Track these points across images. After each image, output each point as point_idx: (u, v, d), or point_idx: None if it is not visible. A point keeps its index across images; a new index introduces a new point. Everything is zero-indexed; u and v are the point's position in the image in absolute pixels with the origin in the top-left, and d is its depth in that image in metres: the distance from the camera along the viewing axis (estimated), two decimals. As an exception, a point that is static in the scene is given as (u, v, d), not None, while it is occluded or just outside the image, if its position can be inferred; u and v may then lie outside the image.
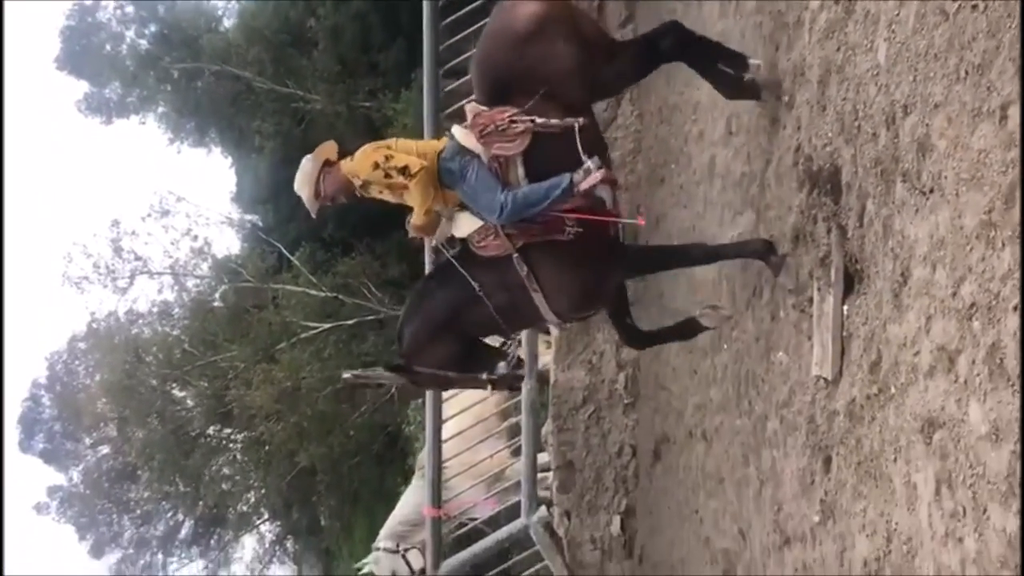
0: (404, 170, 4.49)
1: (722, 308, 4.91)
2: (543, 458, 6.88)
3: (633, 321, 5.13)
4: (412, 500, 7.08)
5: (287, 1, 27.88)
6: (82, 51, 27.59)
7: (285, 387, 22.85)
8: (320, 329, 24.15)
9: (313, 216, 4.98)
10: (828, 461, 3.95)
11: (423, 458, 7.08)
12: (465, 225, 4.63)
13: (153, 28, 27.17)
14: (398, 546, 6.80)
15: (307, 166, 4.65)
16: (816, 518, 4.05)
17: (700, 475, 5.59)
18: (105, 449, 30.48)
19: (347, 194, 4.69)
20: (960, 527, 2.97)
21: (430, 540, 6.52)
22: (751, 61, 4.45)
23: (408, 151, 4.59)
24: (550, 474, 6.84)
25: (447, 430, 6.61)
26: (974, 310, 2.83)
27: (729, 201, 4.98)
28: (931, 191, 3.03)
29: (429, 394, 6.61)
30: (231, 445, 28.40)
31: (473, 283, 4.60)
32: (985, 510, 2.83)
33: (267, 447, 25.12)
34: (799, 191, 4.11)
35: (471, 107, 4.55)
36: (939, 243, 3.00)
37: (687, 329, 4.99)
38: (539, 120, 4.33)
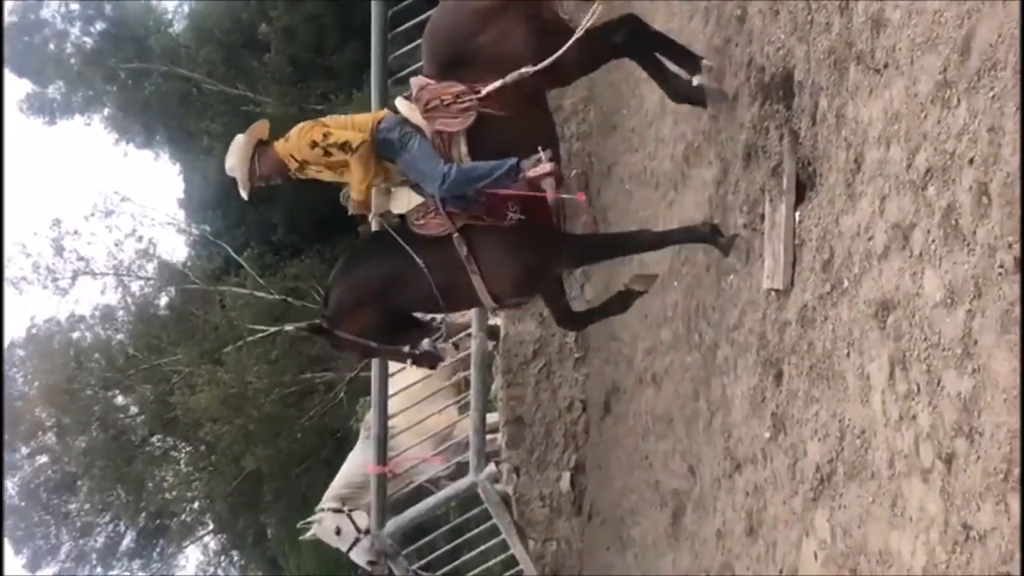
0: (345, 146, 4.38)
1: (648, 272, 4.89)
2: (492, 418, 6.77)
3: (567, 303, 5.09)
4: (357, 462, 6.90)
5: (240, 2, 27.60)
6: (24, 49, 27.00)
7: (231, 389, 22.44)
8: (268, 332, 23.78)
9: (245, 197, 4.77)
10: (779, 375, 3.90)
11: (368, 419, 6.93)
12: (404, 201, 4.53)
13: (100, 26, 26.69)
14: (344, 504, 6.63)
15: (239, 146, 4.53)
16: (767, 434, 3.99)
17: (650, 419, 5.52)
18: (43, 459, 29.62)
19: (282, 175, 4.57)
20: (914, 405, 2.92)
21: (375, 497, 6.37)
22: (704, 63, 4.32)
23: (344, 127, 4.48)
24: (499, 435, 6.72)
25: (393, 386, 6.48)
26: (929, 177, 2.79)
27: (682, 134, 4.94)
28: (885, 66, 3.00)
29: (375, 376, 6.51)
30: (174, 453, 27.81)
31: (417, 258, 4.48)
32: (939, 381, 2.78)
33: (212, 453, 24.65)
34: (751, 106, 4.08)
35: (417, 80, 4.43)
36: (893, 118, 2.96)
37: (621, 301, 4.95)
38: (484, 90, 4.19)
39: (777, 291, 3.88)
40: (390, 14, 6.44)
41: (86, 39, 26.69)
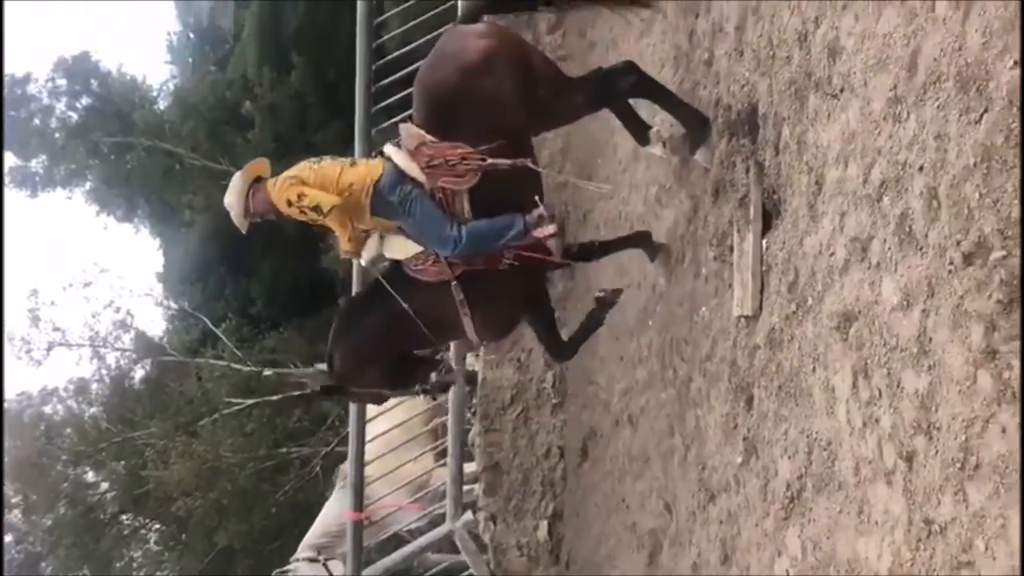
0: (316, 208, 4.44)
1: (606, 290, 5.08)
2: (469, 468, 6.78)
3: (559, 334, 5.24)
4: (333, 511, 6.87)
5: (224, 79, 28.09)
6: (10, 123, 27.28)
7: (205, 463, 22.16)
8: (244, 405, 23.61)
9: (243, 232, 4.82)
10: (750, 399, 4.00)
11: (345, 468, 6.93)
12: (400, 249, 4.65)
13: (85, 101, 27.07)
14: (319, 553, 6.58)
15: (237, 182, 4.64)
16: (739, 459, 4.07)
17: (627, 461, 5.58)
18: (8, 538, 28.91)
19: (275, 212, 4.66)
20: (876, 410, 3.03)
21: (351, 545, 6.32)
22: (703, 147, 4.45)
23: (326, 184, 4.48)
24: (476, 485, 6.73)
25: (370, 432, 6.51)
26: (884, 188, 2.95)
27: (654, 177, 5.13)
28: (841, 90, 3.19)
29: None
30: (144, 531, 27.28)
31: (404, 304, 4.65)
32: (899, 383, 2.90)
33: (183, 531, 24.21)
34: (719, 143, 4.26)
35: (414, 132, 4.47)
36: (850, 137, 3.14)
37: (595, 317, 5.14)
38: (490, 160, 4.32)
39: (747, 317, 4.01)
40: (374, 68, 6.66)
41: (71, 113, 27.05)
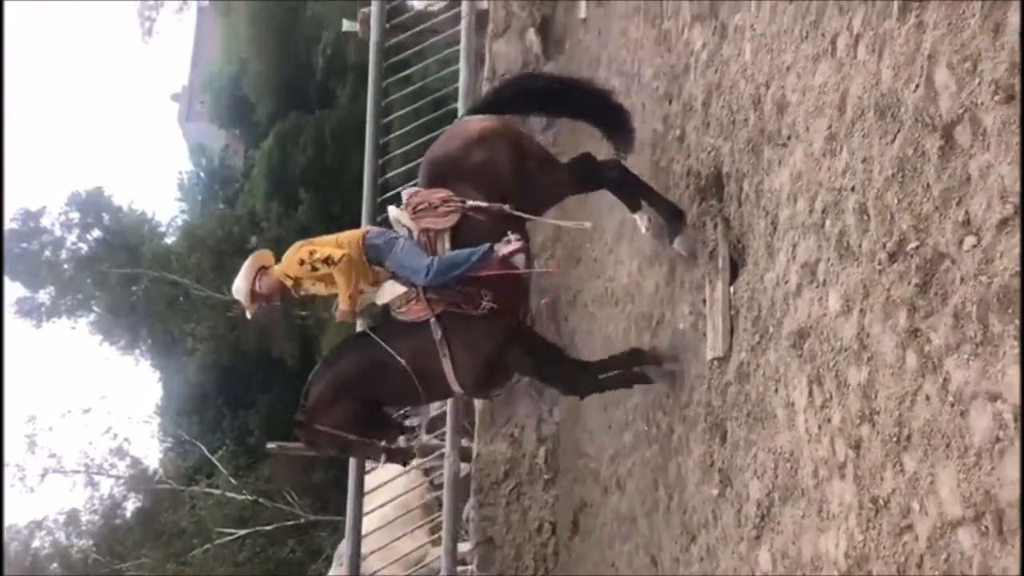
0: (327, 260, 4.93)
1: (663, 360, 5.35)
2: (463, 547, 6.95)
3: (569, 365, 5.50)
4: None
5: (232, 214, 29.06)
6: (21, 253, 28.11)
7: (194, 593, 21.82)
8: (237, 535, 23.41)
9: (249, 317, 5.30)
10: (724, 434, 4.33)
11: (342, 547, 7.09)
12: (388, 293, 5.10)
13: (96, 234, 27.95)
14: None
15: (244, 270, 5.11)
16: (715, 491, 4.37)
17: (615, 524, 5.81)
18: None
19: (282, 295, 5.12)
20: (828, 411, 3.39)
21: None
22: (680, 235, 4.87)
23: (329, 243, 5.03)
24: (469, 566, 6.89)
25: (365, 507, 6.72)
26: (825, 214, 3.41)
27: (637, 249, 5.60)
28: (789, 138, 3.69)
29: (351, 473, 6.78)
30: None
31: (389, 348, 4.99)
32: (845, 380, 3.28)
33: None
34: (691, 208, 4.75)
35: (408, 191, 5.12)
36: (797, 177, 3.62)
37: (633, 379, 5.23)
38: (470, 203, 4.91)
39: (719, 359, 4.39)
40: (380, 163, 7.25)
41: (82, 245, 27.88)
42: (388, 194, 7.04)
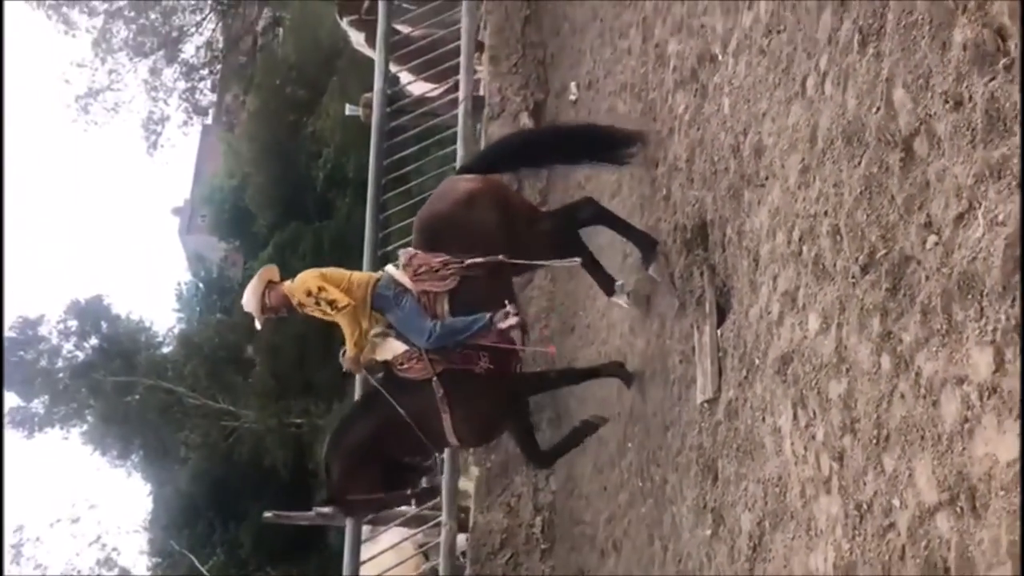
0: (332, 304, 5.18)
1: (599, 415, 5.64)
2: (460, 623, 6.89)
3: (535, 442, 5.76)
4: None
5: (228, 322, 29.25)
6: (17, 362, 28.17)
7: None
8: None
9: (259, 327, 5.59)
10: (716, 474, 4.43)
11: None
12: (390, 349, 5.31)
13: (93, 341, 28.09)
14: None
15: (253, 284, 5.38)
16: (708, 532, 4.44)
17: (612, 588, 5.82)
18: None
19: (287, 307, 5.36)
20: (813, 429, 3.52)
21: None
22: (654, 262, 5.26)
23: (340, 284, 5.26)
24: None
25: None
26: (801, 242, 3.62)
27: (628, 314, 5.78)
28: (767, 179, 3.93)
29: (347, 549, 6.82)
30: None
31: (397, 406, 5.21)
32: (827, 396, 3.43)
33: None
34: (679, 261, 4.97)
35: (406, 251, 5.38)
36: (775, 212, 3.85)
37: (577, 435, 5.74)
38: (468, 262, 5.14)
39: (709, 401, 4.53)
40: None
41: (78, 353, 27.99)
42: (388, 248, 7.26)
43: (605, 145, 5.41)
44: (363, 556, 6.76)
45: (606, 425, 5.84)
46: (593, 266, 5.66)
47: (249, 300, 5.29)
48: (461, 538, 7.28)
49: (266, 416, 25.77)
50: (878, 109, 3.08)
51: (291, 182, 30.70)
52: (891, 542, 2.97)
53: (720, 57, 4.49)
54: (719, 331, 4.52)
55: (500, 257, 5.15)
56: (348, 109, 8.78)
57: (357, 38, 8.27)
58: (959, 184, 2.66)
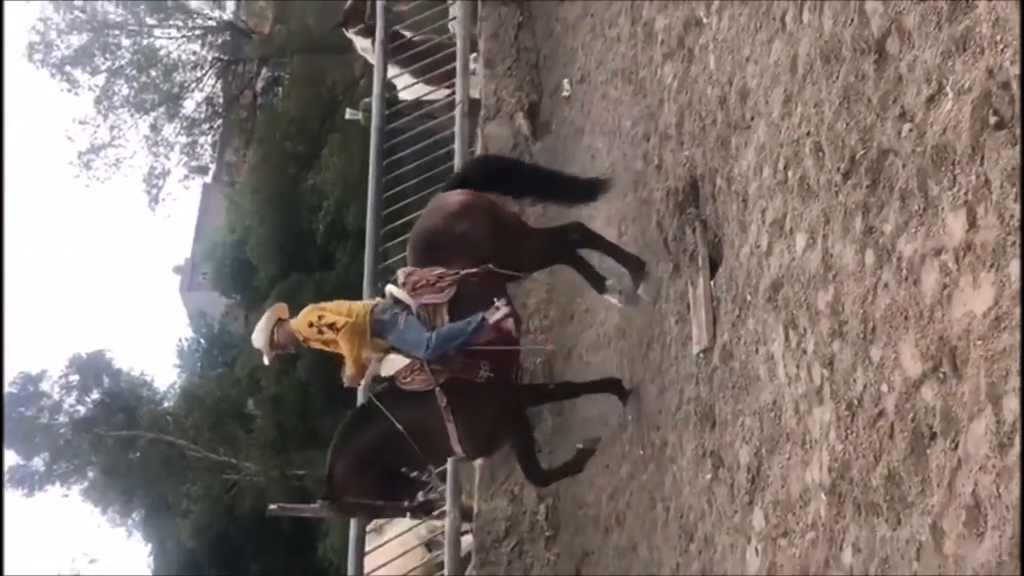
0: (332, 326, 5.39)
1: (591, 438, 5.84)
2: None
3: (536, 458, 5.91)
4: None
5: (230, 376, 29.27)
6: (18, 419, 28.08)
7: None
8: None
9: (267, 363, 5.82)
10: (713, 420, 4.53)
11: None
12: (392, 365, 5.48)
13: (95, 396, 28.05)
14: None
15: (263, 323, 5.57)
16: (708, 476, 4.52)
17: (616, 563, 5.84)
18: None
19: (295, 345, 5.59)
20: (804, 345, 3.64)
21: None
22: (643, 283, 5.50)
23: (339, 311, 5.47)
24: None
25: (367, 566, 6.71)
26: (787, 169, 3.78)
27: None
28: (752, 119, 4.11)
29: (351, 553, 6.88)
30: None
31: (395, 422, 5.35)
32: (815, 308, 3.55)
33: None
34: (671, 224, 5.12)
35: (403, 270, 5.56)
36: (761, 148, 4.01)
37: (575, 464, 5.90)
38: (462, 272, 5.32)
39: (705, 350, 4.65)
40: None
41: (80, 407, 27.92)
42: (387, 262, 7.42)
43: (569, 196, 5.80)
44: (368, 547, 6.77)
45: (607, 406, 5.94)
46: (582, 266, 5.85)
47: (259, 337, 5.49)
48: (466, 540, 7.31)
49: (268, 468, 25.66)
50: (852, 21, 3.26)
51: (292, 234, 30.99)
52: (881, 428, 3.07)
53: (705, 20, 4.71)
54: (712, 282, 4.66)
55: (489, 266, 5.32)
56: (348, 114, 9.01)
57: (363, 44, 8.54)
58: (928, 68, 2.83)
